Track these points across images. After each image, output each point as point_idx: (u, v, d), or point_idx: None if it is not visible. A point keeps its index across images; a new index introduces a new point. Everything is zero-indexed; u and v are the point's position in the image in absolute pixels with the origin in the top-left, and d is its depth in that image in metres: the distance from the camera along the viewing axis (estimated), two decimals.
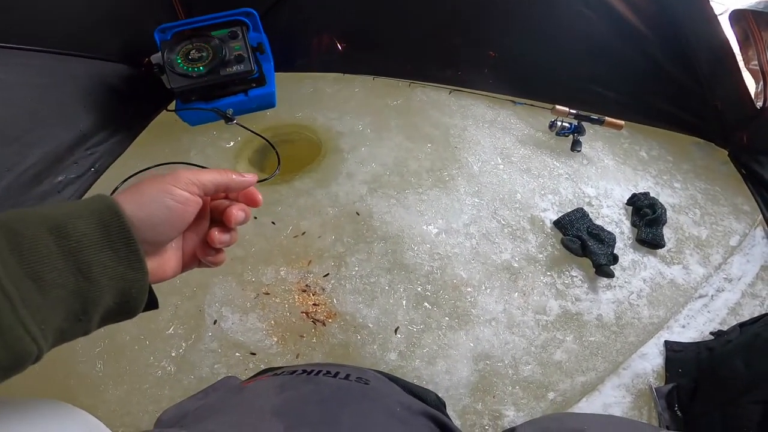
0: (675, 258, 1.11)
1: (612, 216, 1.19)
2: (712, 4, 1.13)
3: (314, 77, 1.57)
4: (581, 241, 1.09)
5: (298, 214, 1.17)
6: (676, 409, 0.85)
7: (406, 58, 1.53)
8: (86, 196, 1.22)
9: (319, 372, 0.51)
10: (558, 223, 1.16)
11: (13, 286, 0.25)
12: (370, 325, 0.97)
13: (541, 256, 1.10)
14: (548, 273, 1.07)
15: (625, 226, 1.18)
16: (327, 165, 1.29)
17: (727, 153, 1.34)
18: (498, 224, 1.16)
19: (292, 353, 0.94)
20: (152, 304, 0.35)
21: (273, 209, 1.17)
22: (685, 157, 1.35)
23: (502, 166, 1.30)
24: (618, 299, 1.04)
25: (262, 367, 0.91)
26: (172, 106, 1.41)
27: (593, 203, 1.22)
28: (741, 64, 1.19)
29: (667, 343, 0.96)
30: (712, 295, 1.04)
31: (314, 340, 0.96)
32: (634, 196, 1.22)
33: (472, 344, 0.96)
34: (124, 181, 1.22)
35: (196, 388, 0.86)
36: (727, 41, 1.17)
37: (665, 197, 1.22)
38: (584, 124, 1.33)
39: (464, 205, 1.20)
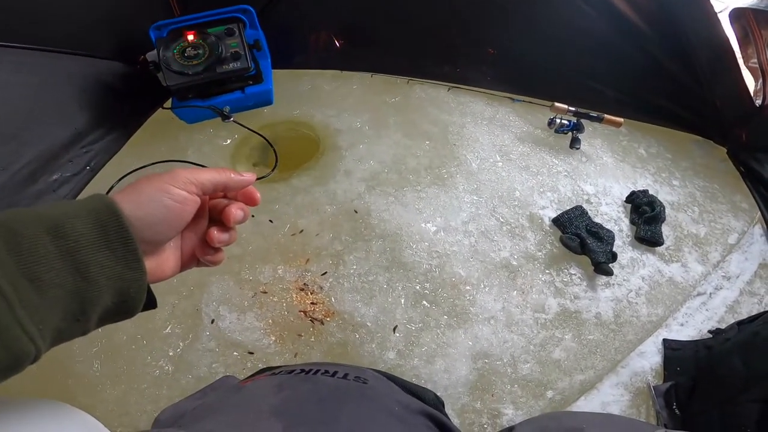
0: (674, 256, 1.11)
1: (611, 213, 1.19)
2: (712, 1, 1.13)
3: (312, 74, 1.56)
4: (580, 239, 1.09)
5: (295, 212, 1.16)
6: (674, 407, 0.85)
7: (405, 55, 1.53)
8: (82, 194, 1.22)
9: (317, 371, 0.51)
10: (557, 221, 1.15)
11: (10, 286, 0.25)
12: (369, 324, 0.97)
13: (539, 254, 1.10)
14: (547, 271, 1.07)
15: (624, 223, 1.18)
16: (325, 162, 1.29)
17: (725, 150, 1.34)
18: (497, 222, 1.16)
19: (290, 352, 0.94)
20: (151, 303, 0.35)
21: (270, 207, 1.17)
22: (684, 154, 1.35)
23: (500, 164, 1.30)
24: (617, 297, 1.04)
25: (260, 366, 0.90)
26: (168, 103, 1.40)
27: (592, 201, 1.22)
28: (740, 61, 1.19)
29: (665, 341, 0.96)
30: (710, 293, 1.04)
31: (312, 339, 0.95)
32: (632, 193, 1.22)
33: (470, 343, 0.96)
34: (120, 179, 1.21)
35: (194, 387, 0.85)
36: (726, 39, 1.17)
37: (664, 195, 1.22)
38: (583, 121, 1.33)
39: (463, 203, 1.20)
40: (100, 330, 0.32)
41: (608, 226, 1.15)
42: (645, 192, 1.21)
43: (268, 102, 1.44)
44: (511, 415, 0.87)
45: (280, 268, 1.06)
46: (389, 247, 1.09)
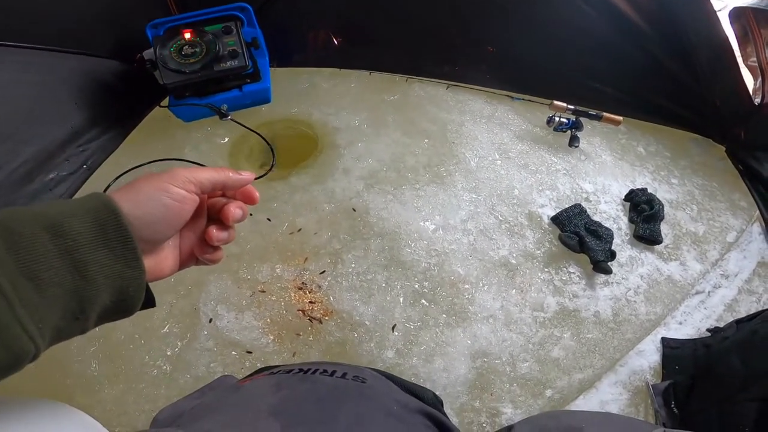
0: (672, 254, 1.11)
1: (610, 212, 1.19)
2: (712, 1, 1.13)
3: (310, 72, 1.55)
4: (579, 237, 1.09)
5: (293, 210, 1.16)
6: (672, 406, 0.85)
7: (403, 53, 1.52)
8: (78, 193, 1.21)
9: (316, 371, 0.51)
10: (556, 219, 1.15)
11: (10, 284, 0.25)
12: (367, 323, 0.97)
13: (538, 252, 1.10)
14: (546, 269, 1.07)
15: (623, 222, 1.18)
16: (323, 161, 1.28)
17: (724, 149, 1.34)
18: (495, 220, 1.16)
19: (289, 351, 0.93)
20: (150, 302, 0.35)
21: (269, 206, 1.16)
22: (682, 153, 1.35)
23: (499, 162, 1.30)
24: (615, 296, 1.04)
25: (259, 365, 0.90)
26: (165, 102, 1.39)
27: (591, 199, 1.22)
28: (740, 60, 1.19)
29: (664, 339, 0.96)
30: (708, 292, 1.05)
31: (311, 338, 0.95)
32: (631, 191, 1.22)
33: (469, 341, 0.95)
34: (117, 178, 1.21)
35: (192, 387, 0.85)
36: (726, 38, 1.17)
37: (663, 193, 1.23)
38: (582, 119, 1.33)
39: (462, 201, 1.19)
40: (98, 329, 0.31)
41: (607, 225, 1.15)
42: (644, 190, 1.21)
43: (266, 100, 1.43)
44: (509, 414, 0.87)
45: (279, 266, 1.05)
46: (388, 246, 1.09)
